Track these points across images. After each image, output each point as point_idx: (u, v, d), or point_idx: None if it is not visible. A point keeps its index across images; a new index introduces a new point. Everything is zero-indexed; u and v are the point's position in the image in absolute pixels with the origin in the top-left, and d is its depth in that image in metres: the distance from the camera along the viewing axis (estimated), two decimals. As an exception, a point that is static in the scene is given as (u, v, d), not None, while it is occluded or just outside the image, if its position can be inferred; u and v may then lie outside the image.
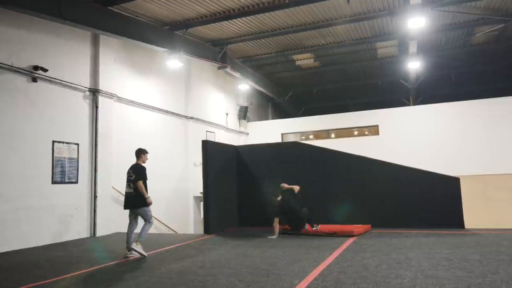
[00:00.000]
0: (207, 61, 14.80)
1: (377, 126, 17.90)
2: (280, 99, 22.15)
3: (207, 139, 14.98)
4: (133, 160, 11.94)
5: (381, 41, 15.50)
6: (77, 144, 10.31)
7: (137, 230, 7.51)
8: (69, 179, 9.97)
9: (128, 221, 7.54)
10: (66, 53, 10.26)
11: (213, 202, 10.22)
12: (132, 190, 7.42)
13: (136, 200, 7.38)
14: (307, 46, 16.04)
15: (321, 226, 9.40)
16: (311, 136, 19.62)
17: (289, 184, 9.74)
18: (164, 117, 13.92)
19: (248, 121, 20.20)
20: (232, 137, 18.28)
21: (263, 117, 22.70)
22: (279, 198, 9.51)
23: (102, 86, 10.98)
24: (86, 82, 10.73)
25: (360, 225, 9.29)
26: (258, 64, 18.35)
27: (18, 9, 8.42)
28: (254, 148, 12.19)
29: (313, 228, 9.23)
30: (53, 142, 9.66)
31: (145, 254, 7.17)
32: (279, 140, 19.30)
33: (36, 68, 9.31)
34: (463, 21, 13.80)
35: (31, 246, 8.76)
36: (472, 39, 15.68)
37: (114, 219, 10.95)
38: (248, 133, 20.00)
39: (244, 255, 7.00)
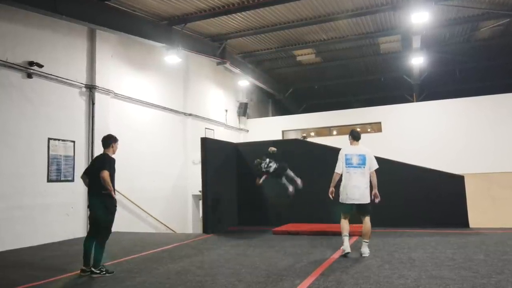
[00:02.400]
0: (206, 57, 14.75)
1: (380, 123, 17.86)
2: (281, 96, 22.10)
3: (206, 136, 14.95)
4: (131, 157, 12.00)
5: (383, 36, 15.46)
6: (73, 142, 10.29)
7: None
8: (65, 177, 9.95)
9: None
10: (62, 48, 10.23)
11: (212, 200, 10.20)
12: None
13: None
14: (308, 41, 15.98)
15: (324, 226, 9.38)
16: (313, 133, 19.60)
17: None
18: (162, 114, 13.89)
19: (248, 118, 20.16)
20: (231, 134, 18.24)
21: (263, 113, 22.67)
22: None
23: (98, 82, 10.95)
24: (82, 78, 10.70)
25: (360, 225, 9.25)
26: (258, 59, 18.31)
27: (13, 4, 8.36)
28: (254, 145, 12.15)
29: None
30: (49, 139, 9.64)
31: None
32: (279, 137, 19.27)
33: (31, 63, 9.28)
34: (467, 15, 13.74)
35: (26, 245, 8.73)
36: (477, 34, 15.63)
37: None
38: (248, 130, 19.96)
39: (244, 255, 6.98)
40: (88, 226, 6.36)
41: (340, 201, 6.68)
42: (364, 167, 6.61)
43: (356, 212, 6.71)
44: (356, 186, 6.51)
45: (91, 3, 10.08)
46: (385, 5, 12.52)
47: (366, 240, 6.57)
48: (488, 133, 15.68)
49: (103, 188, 5.88)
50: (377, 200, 6.62)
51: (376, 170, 6.75)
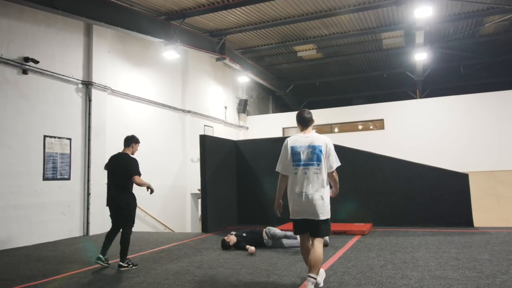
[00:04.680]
0: (205, 52, 14.73)
1: (382, 120, 17.84)
2: (281, 92, 22.08)
3: (205, 133, 14.96)
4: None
5: (386, 32, 15.41)
6: (70, 139, 10.27)
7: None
8: (61, 175, 9.94)
9: None
10: (58, 44, 10.20)
11: (211, 199, 10.18)
12: None
13: None
14: (309, 36, 15.95)
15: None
16: (314, 131, 19.54)
17: None
18: (161, 110, 13.87)
19: (247, 115, 20.15)
20: (231, 131, 18.24)
21: (263, 110, 22.65)
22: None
23: (95, 78, 10.93)
24: (78, 74, 10.68)
25: (362, 224, 9.28)
26: (258, 55, 18.29)
27: (7, -2, 8.37)
28: (254, 143, 12.14)
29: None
30: (45, 137, 9.62)
31: None
32: (280, 134, 19.25)
33: (26, 59, 9.26)
34: (472, 10, 13.70)
35: (21, 245, 8.75)
36: (482, 29, 15.59)
37: (108, 217, 10.90)
38: (248, 127, 19.96)
39: (244, 255, 6.97)
40: (111, 222, 6.75)
41: (290, 217, 4.70)
42: (319, 165, 4.55)
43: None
44: (306, 194, 4.49)
45: (87, -2, 10.06)
46: (388, -1, 12.50)
47: (313, 275, 4.30)
48: (493, 130, 15.67)
49: (128, 187, 6.51)
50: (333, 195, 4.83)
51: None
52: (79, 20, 10.21)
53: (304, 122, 4.90)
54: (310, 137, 4.75)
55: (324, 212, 4.52)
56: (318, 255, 4.41)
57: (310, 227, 4.58)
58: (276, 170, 4.82)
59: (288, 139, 4.84)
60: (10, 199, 8.72)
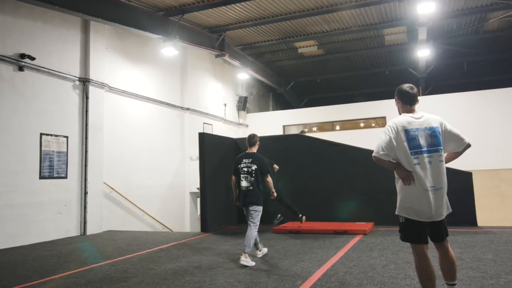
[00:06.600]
0: (204, 49, 14.71)
1: (385, 117, 17.81)
2: (282, 89, 22.07)
3: (204, 131, 14.93)
4: (126, 154, 12.00)
5: (388, 28, 15.38)
6: (66, 137, 10.25)
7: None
8: (58, 174, 9.92)
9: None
10: (55, 40, 10.17)
11: (210, 198, 10.17)
12: None
13: None
14: (310, 32, 15.92)
15: (327, 224, 9.37)
16: (315, 128, 19.56)
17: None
18: (159, 108, 13.85)
19: (247, 112, 20.13)
20: (230, 129, 18.22)
21: (263, 108, 22.63)
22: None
23: (92, 75, 10.91)
24: (75, 71, 10.66)
25: (364, 223, 9.28)
26: (258, 52, 18.25)
27: (2, -7, 8.35)
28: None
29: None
30: (41, 134, 9.61)
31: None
32: (280, 132, 19.24)
33: (22, 56, 9.23)
34: (475, 6, 13.66)
35: (17, 245, 8.74)
36: (486, 25, 15.55)
37: (105, 216, 10.93)
38: (247, 125, 19.94)
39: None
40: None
41: (407, 216, 4.08)
42: (442, 151, 3.94)
43: None
44: (436, 189, 3.94)
45: (84, -7, 10.03)
46: (390, -5, 12.47)
47: (455, 282, 3.96)
48: (497, 128, 15.64)
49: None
50: None
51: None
52: (76, 16, 10.19)
53: (411, 100, 4.09)
54: (423, 117, 3.98)
55: (450, 206, 4.02)
56: (453, 255, 3.91)
57: (431, 231, 3.96)
58: (376, 155, 4.00)
59: (394, 121, 3.95)
60: (6, 198, 8.71)
